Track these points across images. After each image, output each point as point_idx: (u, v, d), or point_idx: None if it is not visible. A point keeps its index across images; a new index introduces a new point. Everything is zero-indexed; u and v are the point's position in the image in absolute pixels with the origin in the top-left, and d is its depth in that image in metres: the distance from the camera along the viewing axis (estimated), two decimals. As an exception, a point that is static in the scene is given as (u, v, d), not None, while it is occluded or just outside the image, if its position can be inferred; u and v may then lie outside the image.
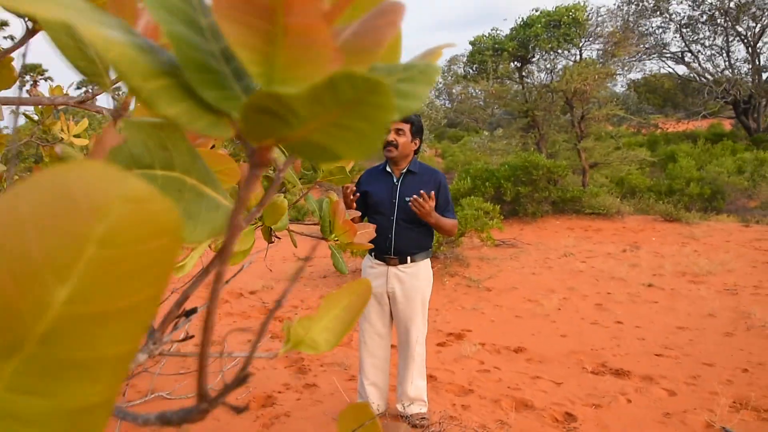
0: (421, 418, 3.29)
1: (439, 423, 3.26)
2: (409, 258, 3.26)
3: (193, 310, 0.65)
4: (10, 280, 0.21)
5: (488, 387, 3.87)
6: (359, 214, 3.14)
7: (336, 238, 1.33)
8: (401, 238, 3.23)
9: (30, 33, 0.70)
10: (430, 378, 4.02)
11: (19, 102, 1.02)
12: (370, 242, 3.39)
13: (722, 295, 5.77)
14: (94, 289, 0.22)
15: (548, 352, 4.50)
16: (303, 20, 0.23)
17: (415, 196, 3.07)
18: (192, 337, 0.78)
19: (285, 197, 1.25)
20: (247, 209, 0.39)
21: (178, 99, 0.25)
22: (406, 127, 3.21)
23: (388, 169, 3.33)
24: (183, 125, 0.26)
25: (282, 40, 0.23)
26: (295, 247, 1.50)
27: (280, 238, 1.45)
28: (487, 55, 14.51)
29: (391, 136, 3.21)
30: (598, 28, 14.23)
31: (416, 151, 3.34)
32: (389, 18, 0.28)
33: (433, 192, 3.10)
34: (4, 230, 0.22)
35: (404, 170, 3.28)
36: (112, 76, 0.43)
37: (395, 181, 3.28)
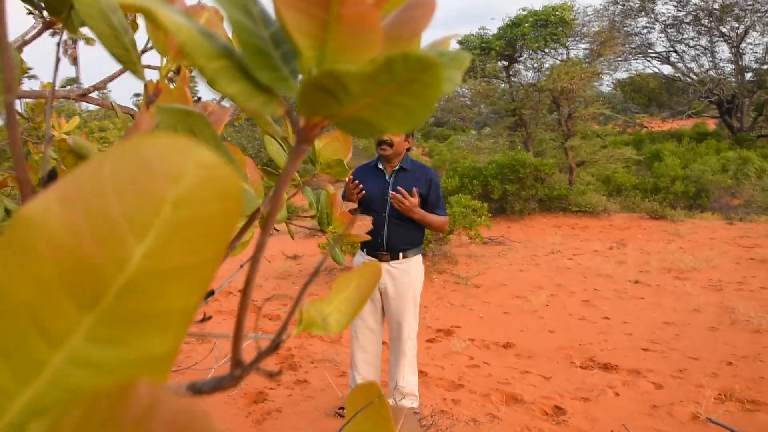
0: (413, 413, 3.32)
1: (431, 416, 3.29)
2: (400, 254, 3.30)
3: (211, 293, 0.66)
4: (91, 238, 0.24)
5: (478, 382, 3.91)
6: (356, 206, 3.16)
7: (333, 230, 1.35)
8: (393, 234, 3.26)
9: (46, 25, 0.71)
10: (421, 374, 4.05)
11: (22, 95, 1.03)
12: None
13: (707, 290, 5.85)
14: (168, 247, 0.24)
15: (537, 347, 4.55)
16: (355, 10, 0.25)
17: (392, 192, 3.11)
18: (210, 317, 0.80)
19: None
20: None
21: (236, 79, 0.27)
22: None
23: (380, 166, 3.36)
24: (241, 103, 0.28)
25: (335, 27, 0.26)
26: (293, 239, 1.52)
27: (278, 231, 1.47)
28: (474, 54, 14.55)
29: (386, 135, 3.23)
30: (585, 28, 14.34)
31: (408, 149, 3.38)
32: (424, 9, 0.30)
33: (415, 189, 3.15)
34: (86, 193, 0.24)
35: (396, 167, 3.31)
36: (143, 63, 0.45)
37: (387, 178, 3.31)
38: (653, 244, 8.38)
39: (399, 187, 3.12)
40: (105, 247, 0.24)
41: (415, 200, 3.13)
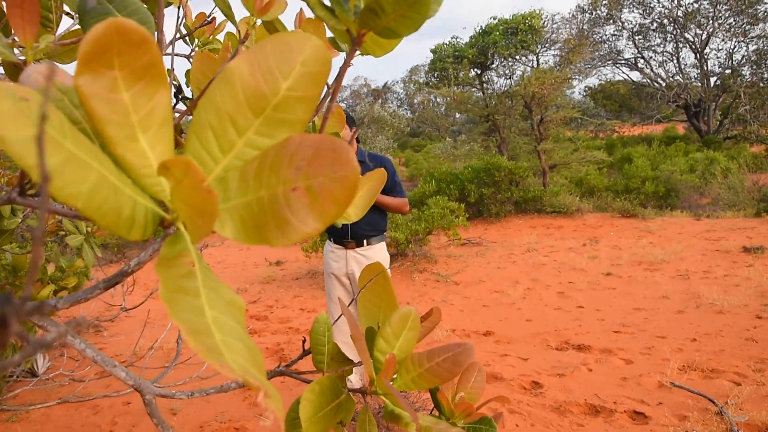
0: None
1: (416, 393, 3.51)
2: (365, 241, 3.55)
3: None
4: (262, 78, 0.46)
5: (460, 364, 4.13)
6: None
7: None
8: (356, 222, 3.50)
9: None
10: (406, 359, 4.26)
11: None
12: (328, 228, 3.62)
13: (675, 280, 6.15)
14: (298, 84, 0.47)
15: (515, 334, 4.79)
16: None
17: None
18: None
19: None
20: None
21: (323, 8, 0.51)
22: None
23: None
24: (324, 21, 0.51)
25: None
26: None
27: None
28: (447, 62, 14.91)
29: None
30: (554, 35, 14.78)
31: (358, 140, 3.65)
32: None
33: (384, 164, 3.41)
34: (259, 55, 0.47)
35: None
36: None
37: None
38: (625, 240, 8.71)
39: None
40: (268, 82, 0.46)
41: None
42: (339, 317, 1.11)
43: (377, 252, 3.60)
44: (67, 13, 0.85)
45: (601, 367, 3.89)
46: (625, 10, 23.82)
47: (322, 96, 0.71)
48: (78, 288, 6.93)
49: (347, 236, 3.55)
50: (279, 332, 5.51)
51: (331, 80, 0.55)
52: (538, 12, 13.65)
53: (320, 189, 0.40)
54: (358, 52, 0.79)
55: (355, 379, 3.59)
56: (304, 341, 0.81)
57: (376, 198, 3.00)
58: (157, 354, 4.88)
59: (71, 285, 4.17)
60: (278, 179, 0.42)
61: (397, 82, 43.05)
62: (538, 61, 14.70)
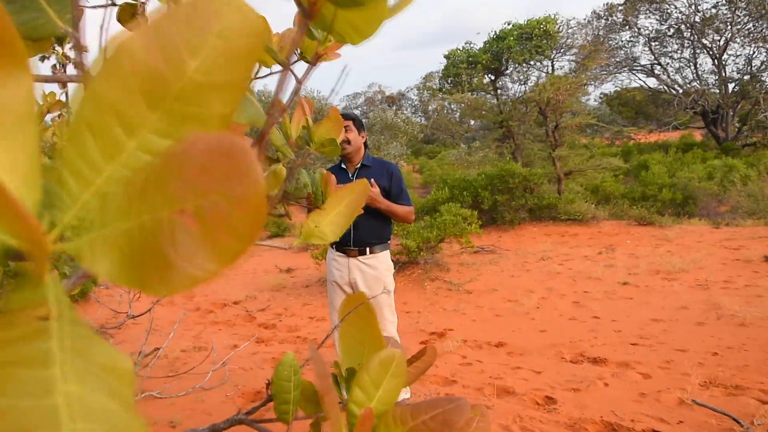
0: (407, 405, 3.40)
1: (425, 407, 3.37)
2: (368, 249, 3.43)
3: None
4: (160, 55, 0.34)
5: (471, 378, 3.99)
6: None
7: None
8: (360, 229, 3.39)
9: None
10: (415, 372, 4.12)
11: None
12: None
13: (694, 289, 5.97)
14: (213, 64, 0.34)
15: (528, 345, 4.64)
16: None
17: None
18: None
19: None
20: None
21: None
22: (350, 123, 3.44)
23: (343, 165, 3.52)
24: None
25: None
26: (290, 219, 1.62)
27: (276, 209, 1.56)
28: (461, 68, 14.79)
29: (342, 135, 3.38)
30: (569, 40, 14.60)
31: (366, 146, 3.53)
32: None
33: (373, 179, 3.29)
34: (158, 27, 0.34)
35: (358, 165, 3.47)
36: None
37: (350, 176, 3.47)
38: (642, 248, 8.51)
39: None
40: (169, 61, 0.34)
41: (376, 189, 3.26)
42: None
43: (381, 261, 3.47)
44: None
45: (617, 381, 3.73)
46: (641, 16, 23.58)
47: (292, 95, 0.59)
48: (85, 294, 6.86)
49: (350, 244, 3.43)
50: (286, 341, 5.39)
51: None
52: (553, 17, 13.50)
53: (212, 213, 0.28)
54: (332, 39, 0.67)
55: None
56: (268, 385, 0.69)
57: (386, 206, 2.89)
58: (162, 363, 4.78)
59: (74, 291, 4.08)
60: (164, 197, 0.30)
61: (411, 88, 43.01)
62: (553, 66, 14.53)
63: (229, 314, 6.78)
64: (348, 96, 45.41)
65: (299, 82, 0.57)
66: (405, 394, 3.42)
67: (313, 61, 1.46)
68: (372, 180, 3.30)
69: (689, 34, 23.23)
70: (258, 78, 1.49)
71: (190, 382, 4.17)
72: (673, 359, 4.02)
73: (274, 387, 0.68)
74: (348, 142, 3.41)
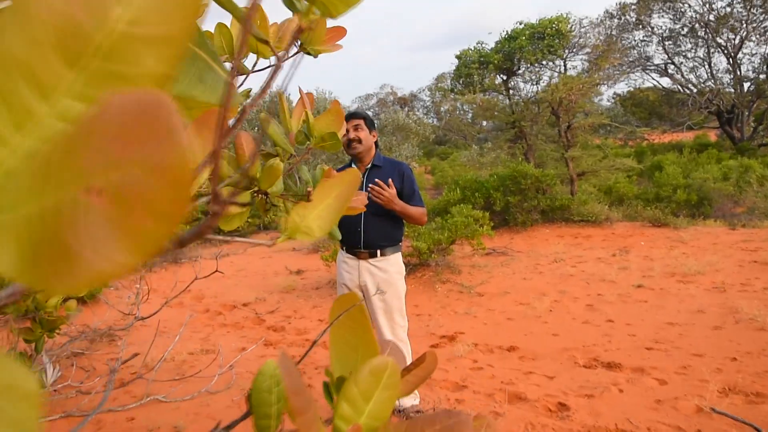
0: (416, 411, 3.32)
1: (433, 411, 3.29)
2: (379, 252, 3.34)
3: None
4: (78, 2, 0.27)
5: (482, 383, 3.91)
6: None
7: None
8: (370, 230, 3.30)
9: None
10: (425, 376, 4.05)
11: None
12: (342, 237, 3.43)
13: (711, 292, 5.84)
14: (140, 14, 0.27)
15: (541, 349, 4.55)
16: None
17: (371, 185, 3.15)
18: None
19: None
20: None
21: None
22: (361, 122, 3.34)
23: (353, 166, 3.42)
24: None
25: None
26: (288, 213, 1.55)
27: (276, 206, 1.49)
28: (473, 68, 14.68)
29: (352, 134, 3.30)
30: (582, 39, 14.47)
31: (377, 146, 3.45)
32: None
33: (390, 179, 3.19)
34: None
35: (369, 165, 3.38)
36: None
37: (361, 176, 3.37)
38: (656, 250, 8.38)
39: (376, 179, 3.17)
40: (88, 7, 0.27)
41: (393, 190, 3.17)
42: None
43: (392, 263, 3.38)
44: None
45: (632, 387, 3.63)
46: (654, 15, 23.37)
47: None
48: (93, 296, 6.85)
49: (360, 246, 3.34)
50: (295, 344, 5.33)
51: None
52: (565, 16, 13.37)
53: (125, 189, 0.21)
54: (317, 12, 0.59)
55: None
56: (248, 397, 0.62)
57: (401, 207, 2.80)
58: (168, 366, 4.73)
59: (81, 293, 4.05)
60: (71, 173, 0.23)
61: (423, 89, 42.93)
62: (565, 66, 14.39)
63: (238, 316, 6.73)
64: (360, 97, 45.43)
65: (277, 67, 0.50)
66: (414, 400, 3.34)
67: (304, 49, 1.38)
68: (390, 180, 3.20)
69: (703, 32, 22.99)
70: (255, 71, 1.43)
71: (196, 385, 4.12)
72: (689, 365, 3.92)
73: (253, 399, 0.61)
74: (359, 141, 3.32)
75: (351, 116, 3.34)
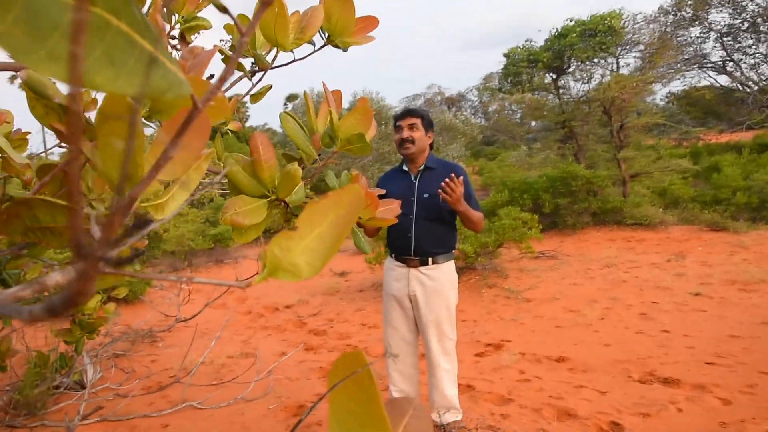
0: (460, 427, 3.14)
1: (476, 430, 3.11)
2: (430, 259, 3.13)
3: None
4: None
5: (529, 396, 3.70)
6: (383, 191, 3.00)
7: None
8: (422, 237, 3.10)
9: None
10: (468, 388, 3.87)
11: None
12: (389, 242, 3.22)
13: (776, 302, 5.48)
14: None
15: (592, 361, 4.31)
16: None
17: (445, 181, 2.92)
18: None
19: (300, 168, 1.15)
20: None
21: None
22: (418, 121, 3.13)
23: (404, 168, 3.23)
24: None
25: None
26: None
27: (296, 216, 1.35)
28: (521, 67, 14.35)
29: (406, 133, 3.11)
30: (635, 36, 13.96)
31: (431, 146, 3.24)
32: None
33: (462, 177, 2.97)
34: None
35: (422, 167, 3.18)
36: None
37: (413, 178, 3.18)
38: (715, 256, 7.97)
39: (452, 174, 2.94)
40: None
41: (461, 189, 2.93)
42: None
43: (444, 272, 3.16)
44: None
45: (693, 407, 3.37)
46: (712, 11, 22.48)
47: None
48: (133, 297, 6.90)
49: (410, 252, 3.14)
50: (336, 349, 5.21)
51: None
52: (618, 12, 12.92)
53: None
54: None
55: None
56: None
57: (465, 209, 2.59)
58: (207, 369, 4.67)
59: (121, 295, 4.00)
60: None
61: (471, 89, 42.50)
62: (618, 64, 13.91)
63: (279, 319, 6.66)
64: (407, 98, 45.20)
65: (242, 34, 0.36)
66: (456, 416, 3.16)
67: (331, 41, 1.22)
68: (461, 178, 2.97)
69: (766, 27, 22.01)
70: (276, 67, 1.28)
71: (233, 391, 4.03)
72: (757, 383, 3.62)
73: None
74: (411, 141, 3.11)
75: (407, 113, 3.15)
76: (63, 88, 0.71)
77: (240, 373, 4.47)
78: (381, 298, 7.00)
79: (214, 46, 1.26)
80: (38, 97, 0.67)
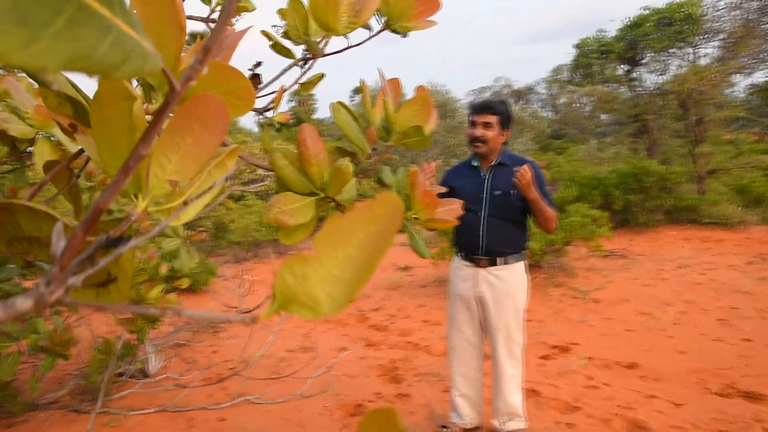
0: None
1: None
2: (500, 259, 2.99)
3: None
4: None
5: (597, 405, 3.53)
6: (444, 189, 2.86)
7: (414, 216, 1.12)
8: (492, 235, 2.97)
9: None
10: (533, 393, 3.73)
11: None
12: (458, 240, 3.09)
13: None
14: None
15: (665, 369, 4.08)
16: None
17: (518, 168, 2.77)
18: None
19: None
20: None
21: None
22: (494, 120, 2.96)
23: (474, 163, 3.09)
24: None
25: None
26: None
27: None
28: (592, 58, 13.86)
29: (479, 131, 2.97)
30: (716, 24, 13.25)
31: (504, 144, 3.09)
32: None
33: (526, 165, 2.81)
34: None
35: (493, 163, 3.03)
36: None
37: (483, 174, 3.04)
38: (801, 258, 7.49)
39: (525, 164, 2.81)
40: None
41: (529, 173, 2.78)
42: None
43: (514, 272, 3.02)
44: None
45: (779, 424, 3.13)
46: (801, -4, 21.19)
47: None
48: (197, 287, 6.99)
49: (479, 251, 3.01)
50: (397, 347, 5.13)
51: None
52: (697, -1, 12.29)
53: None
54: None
55: (468, 413, 3.11)
56: None
57: (533, 194, 2.45)
58: (267, 363, 4.68)
59: (184, 285, 4.04)
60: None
61: (540, 82, 41.58)
62: (696, 54, 13.25)
63: (341, 313, 6.63)
64: (474, 90, 44.63)
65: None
66: (519, 424, 3.03)
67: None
68: (525, 165, 2.83)
69: None
70: (329, 54, 1.19)
71: (291, 386, 4.02)
72: None
73: None
74: (483, 141, 2.96)
75: (483, 108, 2.99)
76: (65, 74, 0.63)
77: (299, 367, 4.46)
78: (444, 294, 6.88)
79: (261, 31, 1.18)
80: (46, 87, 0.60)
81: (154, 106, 0.65)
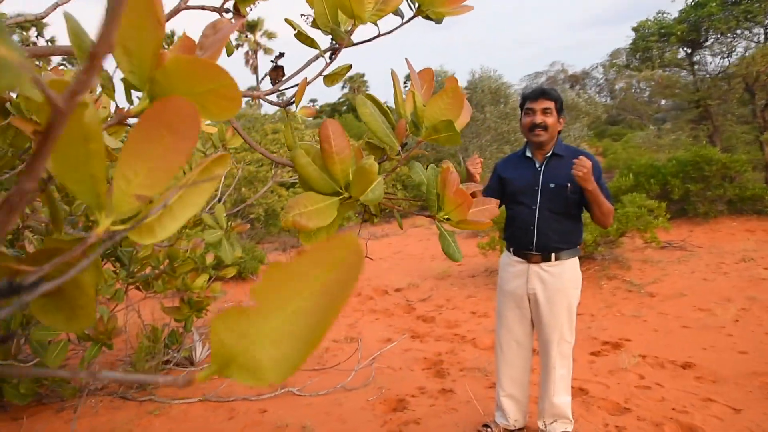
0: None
1: None
2: (553, 255, 2.87)
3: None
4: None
5: (648, 407, 3.38)
6: (480, 187, 2.77)
7: (446, 216, 1.05)
8: (545, 230, 2.85)
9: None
10: (581, 391, 3.60)
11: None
12: (508, 234, 2.99)
13: None
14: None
15: (723, 370, 3.89)
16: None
17: (576, 159, 2.64)
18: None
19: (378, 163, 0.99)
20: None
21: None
22: (552, 105, 2.85)
23: (528, 154, 2.97)
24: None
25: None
26: (401, 228, 1.25)
27: (377, 216, 1.19)
28: (651, 41, 13.36)
29: (539, 118, 2.85)
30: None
31: (559, 132, 2.96)
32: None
33: (582, 156, 2.68)
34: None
35: (548, 154, 2.91)
36: None
37: (538, 166, 2.92)
38: None
39: (581, 156, 2.68)
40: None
41: (589, 163, 2.64)
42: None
43: (567, 269, 2.91)
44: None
45: None
46: None
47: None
48: (245, 275, 7.06)
49: (531, 246, 2.90)
50: (443, 339, 5.06)
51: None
52: (769, -25, 11.68)
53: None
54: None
55: (513, 415, 3.02)
56: None
57: (591, 186, 2.31)
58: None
59: (231, 274, 4.06)
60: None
61: (596, 66, 40.53)
62: (766, 35, 12.59)
63: (388, 302, 6.60)
64: (528, 75, 43.87)
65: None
66: (566, 426, 2.92)
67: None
68: (582, 156, 2.70)
69: None
70: (358, 43, 1.12)
71: (333, 378, 3.99)
72: None
73: None
74: (544, 127, 2.85)
75: (541, 94, 2.87)
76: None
77: (343, 358, 4.44)
78: (493, 285, 6.75)
79: (285, 19, 1.12)
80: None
81: (136, 108, 0.58)
